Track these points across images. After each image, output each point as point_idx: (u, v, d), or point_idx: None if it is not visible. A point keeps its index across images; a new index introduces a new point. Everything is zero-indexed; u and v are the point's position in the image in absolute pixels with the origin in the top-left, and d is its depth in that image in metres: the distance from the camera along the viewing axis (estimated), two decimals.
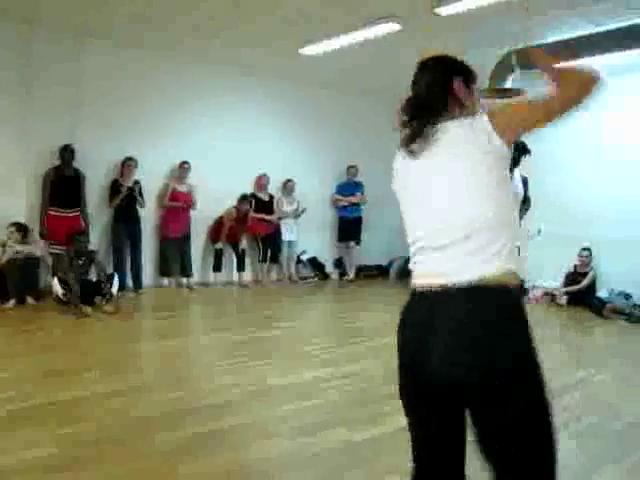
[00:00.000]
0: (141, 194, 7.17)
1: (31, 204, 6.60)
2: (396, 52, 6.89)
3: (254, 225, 8.21)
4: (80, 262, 6.26)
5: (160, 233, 7.64)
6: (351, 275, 9.23)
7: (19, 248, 6.19)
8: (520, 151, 4.33)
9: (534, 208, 5.84)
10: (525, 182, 4.46)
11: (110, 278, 6.48)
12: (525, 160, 4.39)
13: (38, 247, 6.45)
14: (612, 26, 5.30)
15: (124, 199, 6.99)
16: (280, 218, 8.49)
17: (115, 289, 6.43)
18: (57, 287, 6.04)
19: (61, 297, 6.00)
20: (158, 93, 7.51)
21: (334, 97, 9.21)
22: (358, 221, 9.24)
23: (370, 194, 9.12)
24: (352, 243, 9.19)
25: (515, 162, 4.35)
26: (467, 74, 1.70)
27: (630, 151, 7.38)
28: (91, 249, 6.55)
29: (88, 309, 5.82)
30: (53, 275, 6.23)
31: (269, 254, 8.44)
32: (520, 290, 1.53)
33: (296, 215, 8.62)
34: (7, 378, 3.81)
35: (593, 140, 7.74)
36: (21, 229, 6.30)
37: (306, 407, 3.47)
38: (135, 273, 7.21)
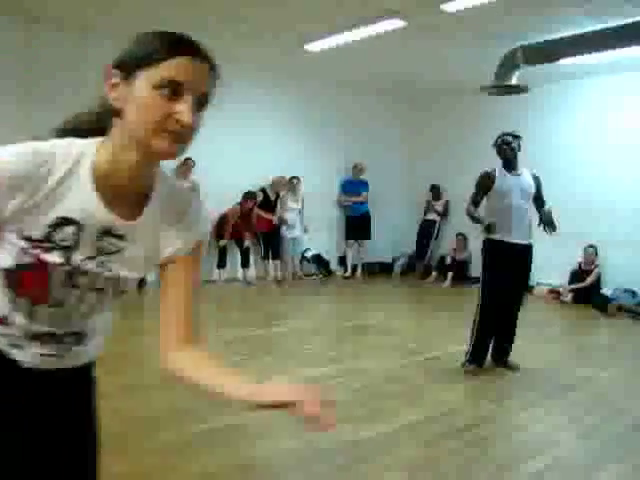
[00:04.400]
0: None
1: None
2: (401, 49, 6.88)
3: (256, 222, 8.21)
4: None
5: None
6: (349, 272, 9.22)
7: None
8: (510, 140, 4.26)
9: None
10: (538, 181, 4.41)
11: None
12: (523, 147, 4.33)
13: None
14: (615, 23, 5.26)
15: None
16: (281, 222, 8.44)
17: None
18: None
19: None
20: None
21: (339, 94, 9.18)
22: (366, 218, 9.22)
23: (375, 192, 9.12)
24: (364, 241, 9.18)
25: (512, 150, 4.27)
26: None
27: (637, 149, 7.34)
28: None
29: None
30: None
31: (270, 251, 8.42)
32: None
33: (304, 229, 8.66)
34: None
35: (600, 138, 7.70)
36: None
37: None
38: None
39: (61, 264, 1.00)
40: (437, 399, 3.71)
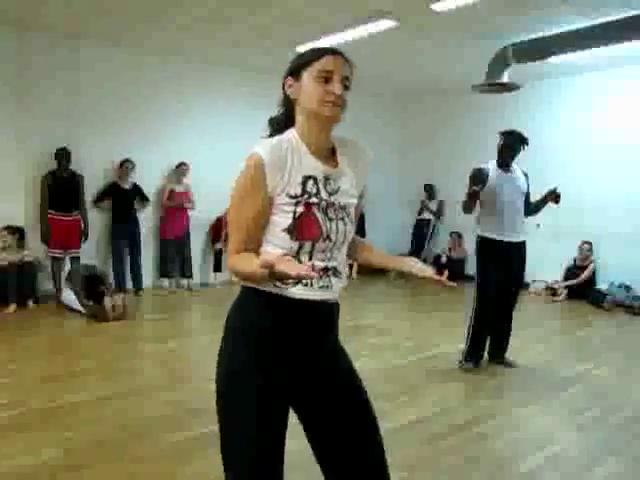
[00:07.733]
0: (142, 195, 7.30)
1: (29, 207, 6.59)
2: (393, 49, 6.89)
3: None
4: (78, 267, 6.31)
5: (159, 234, 7.64)
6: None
7: (13, 253, 6.18)
8: (517, 141, 4.27)
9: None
10: (527, 179, 4.43)
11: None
12: (523, 151, 4.34)
13: (33, 251, 6.43)
14: (609, 19, 5.28)
15: (120, 200, 7.08)
16: None
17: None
18: (76, 304, 6.01)
19: (84, 311, 5.94)
20: (155, 94, 7.49)
21: None
22: (361, 217, 9.21)
23: (369, 192, 9.09)
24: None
25: (513, 152, 4.29)
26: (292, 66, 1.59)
27: (631, 148, 7.36)
28: (90, 264, 6.59)
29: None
30: (72, 288, 6.18)
31: None
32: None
33: None
34: (7, 383, 3.81)
35: (593, 135, 7.73)
36: (15, 233, 6.29)
37: None
38: (135, 275, 7.21)
39: (318, 203, 1.48)
40: (435, 398, 3.72)
